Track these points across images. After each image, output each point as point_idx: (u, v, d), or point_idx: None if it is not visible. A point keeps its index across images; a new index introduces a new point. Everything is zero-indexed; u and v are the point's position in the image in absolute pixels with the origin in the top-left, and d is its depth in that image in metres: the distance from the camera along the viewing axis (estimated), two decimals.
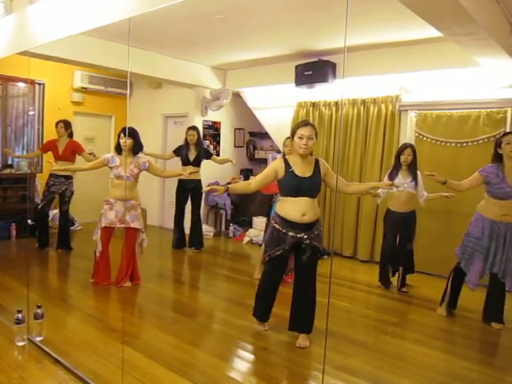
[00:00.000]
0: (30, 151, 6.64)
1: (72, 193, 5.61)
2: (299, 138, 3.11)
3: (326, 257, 5.81)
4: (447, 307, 3.93)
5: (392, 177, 4.45)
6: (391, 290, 4.61)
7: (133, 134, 4.27)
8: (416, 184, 4.37)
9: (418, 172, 4.43)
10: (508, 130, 4.72)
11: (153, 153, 6.32)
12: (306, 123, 3.19)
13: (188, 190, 5.97)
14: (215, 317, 3.98)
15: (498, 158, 3.63)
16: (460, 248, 3.78)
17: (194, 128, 6.02)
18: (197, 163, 5.94)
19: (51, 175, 5.52)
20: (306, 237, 3.12)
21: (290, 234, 3.13)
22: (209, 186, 7.04)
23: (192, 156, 5.93)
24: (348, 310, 4.07)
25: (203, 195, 6.18)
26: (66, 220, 5.70)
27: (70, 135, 5.64)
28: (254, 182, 3.31)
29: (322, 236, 3.23)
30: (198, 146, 5.94)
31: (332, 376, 2.79)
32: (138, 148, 4.36)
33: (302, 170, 3.14)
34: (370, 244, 5.80)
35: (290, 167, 3.15)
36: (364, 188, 3.12)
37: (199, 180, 5.96)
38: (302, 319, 3.26)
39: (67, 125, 5.61)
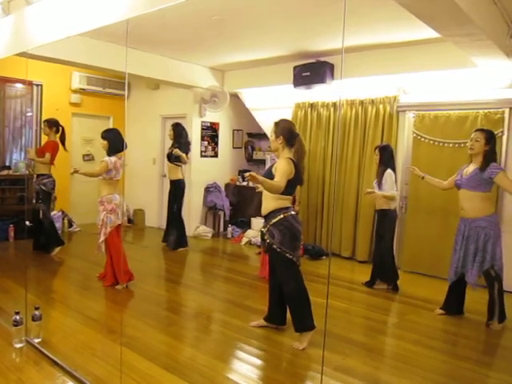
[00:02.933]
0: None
1: (44, 192, 5.42)
2: None
3: (324, 257, 5.86)
4: (445, 308, 3.98)
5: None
6: (384, 290, 4.65)
7: (107, 136, 4.41)
8: (380, 184, 4.51)
9: (389, 171, 4.52)
10: (506, 130, 4.74)
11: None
12: None
13: (170, 189, 6.03)
14: (214, 318, 3.97)
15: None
16: None
17: (172, 124, 6.08)
18: (174, 160, 5.94)
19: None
20: (263, 228, 3.31)
21: None
22: (206, 188, 7.16)
23: (169, 153, 5.99)
24: (346, 311, 4.07)
25: (180, 195, 6.13)
26: (37, 220, 5.45)
27: (57, 132, 5.52)
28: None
29: (274, 231, 3.17)
30: (176, 144, 5.94)
31: (331, 377, 2.79)
32: (112, 149, 4.39)
33: None
34: (368, 245, 5.80)
35: None
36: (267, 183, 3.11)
37: (175, 180, 5.99)
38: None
39: (51, 123, 5.51)
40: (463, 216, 3.76)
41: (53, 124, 5.52)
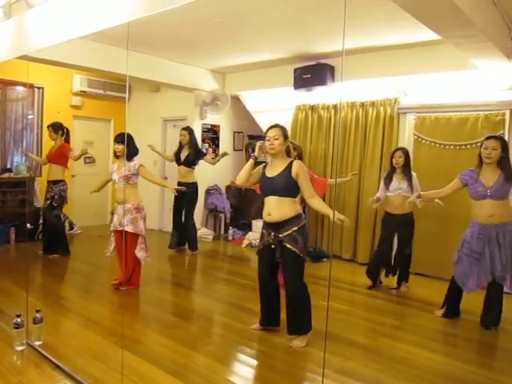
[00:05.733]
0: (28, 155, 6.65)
1: (61, 198, 5.50)
2: (267, 140, 3.30)
3: (325, 260, 5.85)
4: (446, 313, 3.96)
5: (387, 181, 4.58)
6: (381, 290, 4.66)
7: (124, 139, 4.32)
8: (412, 187, 4.44)
9: (414, 174, 4.50)
10: (507, 132, 4.74)
11: (159, 151, 6.32)
12: (272, 126, 3.34)
13: (182, 192, 6.00)
14: (215, 320, 3.97)
15: (480, 161, 3.71)
16: (456, 254, 3.83)
17: (185, 128, 6.07)
18: (188, 163, 5.95)
19: (47, 181, 5.55)
20: (274, 236, 3.22)
21: (265, 233, 3.30)
22: (207, 190, 7.16)
23: (183, 156, 5.98)
24: (347, 313, 4.07)
25: (197, 198, 6.15)
26: (52, 225, 5.53)
27: (63, 135, 5.57)
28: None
29: (297, 237, 3.17)
30: (191, 147, 5.95)
31: (331, 379, 2.79)
32: (130, 153, 4.37)
33: (271, 170, 3.33)
34: (369, 247, 5.79)
35: (265, 169, 3.38)
36: (323, 211, 3.17)
37: (192, 183, 5.96)
38: (288, 321, 3.31)
39: (56, 127, 5.53)
40: (492, 222, 3.60)
41: (58, 128, 5.55)
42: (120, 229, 4.33)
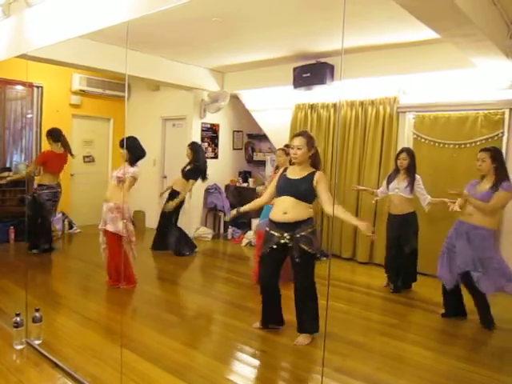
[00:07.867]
0: (28, 154, 6.64)
1: (55, 200, 5.60)
2: (291, 148, 3.26)
3: (324, 259, 5.85)
4: (445, 313, 3.96)
5: (389, 180, 4.59)
6: (389, 292, 4.63)
7: (127, 145, 4.29)
8: (411, 188, 4.40)
9: (418, 176, 4.46)
10: (506, 131, 4.74)
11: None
12: (296, 134, 3.30)
13: (171, 196, 5.98)
14: (214, 319, 3.97)
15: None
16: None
17: (189, 144, 6.10)
18: (184, 176, 5.94)
19: (42, 184, 5.58)
20: (288, 237, 3.18)
21: (276, 234, 3.23)
22: (207, 189, 7.16)
23: (185, 168, 5.99)
24: (347, 312, 4.07)
25: (180, 207, 6.06)
26: (41, 222, 5.57)
27: (61, 141, 5.61)
28: (264, 197, 3.51)
29: (312, 238, 3.19)
30: (192, 163, 5.95)
31: (331, 378, 2.79)
32: (134, 157, 4.37)
33: (293, 172, 3.29)
34: (368, 246, 5.80)
35: (285, 172, 3.33)
36: (345, 218, 3.18)
37: (180, 192, 5.91)
38: (298, 320, 3.32)
39: (57, 136, 5.58)
40: (469, 221, 3.65)
41: (58, 136, 5.58)
42: (103, 228, 4.33)
